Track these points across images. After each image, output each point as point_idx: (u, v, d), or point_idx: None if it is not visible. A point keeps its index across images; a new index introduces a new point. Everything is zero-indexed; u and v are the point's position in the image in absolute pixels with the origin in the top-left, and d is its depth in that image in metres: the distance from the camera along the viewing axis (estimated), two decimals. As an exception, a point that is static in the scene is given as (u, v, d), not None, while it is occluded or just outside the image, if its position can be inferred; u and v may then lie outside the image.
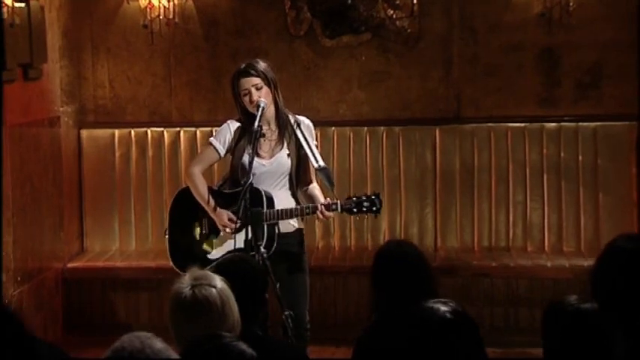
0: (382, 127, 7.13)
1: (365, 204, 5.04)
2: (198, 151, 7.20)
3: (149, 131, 7.26)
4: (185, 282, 3.19)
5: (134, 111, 7.30)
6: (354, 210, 5.04)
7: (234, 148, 5.18)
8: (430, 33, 7.11)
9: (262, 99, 5.03)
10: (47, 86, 6.64)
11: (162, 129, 7.26)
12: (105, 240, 7.27)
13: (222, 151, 5.20)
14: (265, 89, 5.07)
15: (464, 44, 7.09)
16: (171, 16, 7.02)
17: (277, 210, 5.02)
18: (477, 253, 7.01)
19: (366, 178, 7.12)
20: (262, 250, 4.83)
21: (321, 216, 5.00)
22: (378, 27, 7.09)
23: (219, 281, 3.20)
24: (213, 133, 7.02)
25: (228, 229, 5.10)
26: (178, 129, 7.25)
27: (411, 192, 7.12)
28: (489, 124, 7.06)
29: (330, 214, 5.00)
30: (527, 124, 7.02)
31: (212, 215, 5.15)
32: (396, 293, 3.67)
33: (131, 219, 7.28)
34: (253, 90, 5.05)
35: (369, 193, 5.13)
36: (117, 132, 7.26)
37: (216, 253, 5.22)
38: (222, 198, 5.18)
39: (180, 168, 7.21)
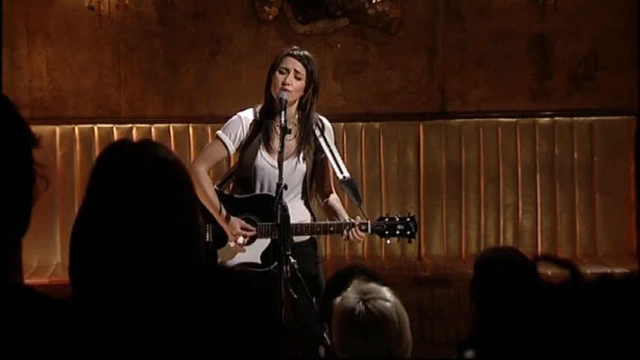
0: (360, 123, 6.69)
1: (399, 227, 4.70)
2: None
3: (95, 128, 6.60)
4: (352, 296, 2.94)
5: (77, 105, 6.64)
6: (386, 233, 4.68)
7: (245, 145, 4.68)
8: (413, 19, 6.66)
9: (286, 92, 4.54)
10: (-13, 76, 5.78)
11: (110, 125, 6.62)
12: (44, 253, 6.48)
13: (232, 148, 4.70)
14: (301, 83, 4.61)
15: (449, 31, 6.68)
16: (121, -3, 6.43)
17: (296, 225, 4.56)
18: (464, 260, 6.54)
19: (342, 180, 6.54)
20: (292, 260, 4.32)
21: (351, 237, 4.57)
22: (357, 12, 6.61)
23: (390, 294, 2.97)
24: (170, 130, 6.59)
25: (240, 240, 4.59)
26: (129, 125, 6.62)
27: (392, 194, 6.66)
28: (477, 119, 6.69)
29: (362, 234, 4.58)
30: (518, 118, 6.68)
31: (221, 222, 4.62)
32: (503, 308, 3.18)
33: (75, 228, 6.45)
34: (292, 73, 4.57)
35: (402, 215, 4.75)
36: (57, 129, 6.54)
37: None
38: (229, 203, 4.67)
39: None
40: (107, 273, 1.98)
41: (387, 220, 4.69)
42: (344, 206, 4.83)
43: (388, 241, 4.74)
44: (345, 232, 4.56)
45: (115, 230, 1.99)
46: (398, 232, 4.67)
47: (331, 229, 4.61)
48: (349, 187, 4.67)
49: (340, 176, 4.66)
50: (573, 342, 1.33)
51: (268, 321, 1.98)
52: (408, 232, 4.69)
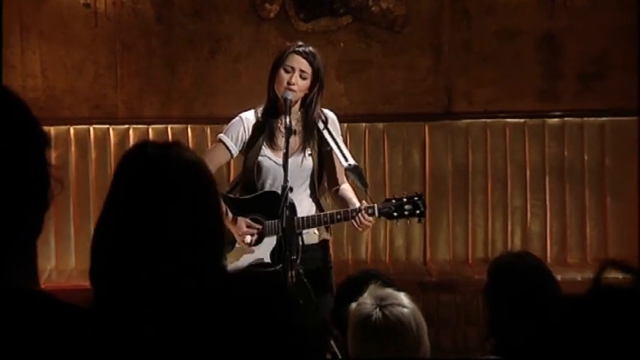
0: (364, 124, 6.53)
1: (407, 207, 4.54)
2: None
3: (91, 129, 6.45)
4: (368, 302, 2.89)
5: (73, 105, 6.50)
6: (395, 214, 4.54)
7: (248, 146, 4.59)
8: (418, 16, 6.52)
9: (291, 92, 4.44)
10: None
11: (106, 126, 6.48)
12: (39, 258, 6.27)
13: (235, 150, 4.62)
14: (307, 83, 4.50)
15: (455, 29, 6.54)
16: (118, -6, 6.35)
17: (303, 218, 4.47)
18: (471, 265, 6.40)
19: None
20: (298, 264, 4.31)
21: (358, 222, 4.43)
22: (360, 9, 6.47)
23: (408, 301, 2.92)
24: (168, 131, 6.47)
25: (247, 239, 4.53)
26: (126, 126, 6.48)
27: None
28: (484, 120, 6.54)
29: (370, 219, 4.45)
30: (526, 119, 6.53)
31: (227, 224, 4.50)
32: (519, 314, 3.25)
33: (70, 233, 6.41)
34: (297, 72, 4.46)
35: (409, 194, 4.60)
36: (52, 130, 6.34)
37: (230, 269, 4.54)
38: (235, 205, 4.58)
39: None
40: (129, 275, 1.96)
41: (393, 201, 4.55)
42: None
43: (397, 223, 4.62)
44: (355, 218, 4.45)
45: (139, 232, 1.97)
46: (406, 212, 4.53)
47: (338, 217, 4.48)
48: (355, 174, 4.56)
49: (345, 164, 4.56)
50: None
51: (292, 326, 1.88)
52: (417, 212, 4.54)
